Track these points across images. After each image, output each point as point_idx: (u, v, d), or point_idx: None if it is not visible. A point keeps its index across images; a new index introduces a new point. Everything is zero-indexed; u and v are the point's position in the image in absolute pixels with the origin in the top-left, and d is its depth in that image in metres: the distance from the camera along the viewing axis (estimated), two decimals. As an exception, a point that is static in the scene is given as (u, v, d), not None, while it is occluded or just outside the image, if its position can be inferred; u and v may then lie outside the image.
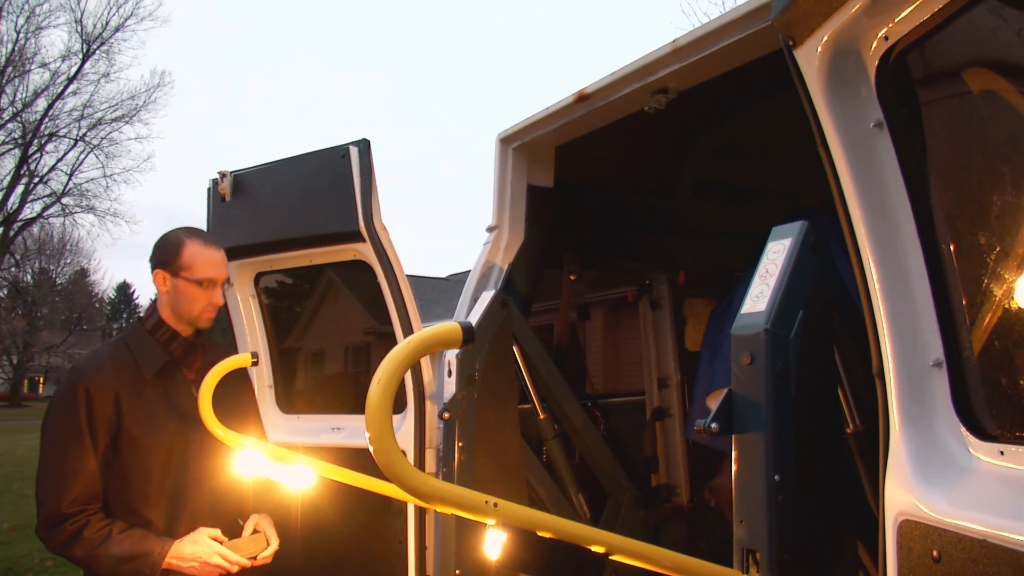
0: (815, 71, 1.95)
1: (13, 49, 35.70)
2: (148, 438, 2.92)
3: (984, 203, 1.87)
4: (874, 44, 1.91)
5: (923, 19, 1.80)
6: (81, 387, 2.86)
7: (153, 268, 3.03)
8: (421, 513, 3.68)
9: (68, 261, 54.29)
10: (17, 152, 36.82)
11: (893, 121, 1.91)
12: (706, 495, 4.57)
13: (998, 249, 1.84)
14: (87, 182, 39.33)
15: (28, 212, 39.05)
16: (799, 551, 2.03)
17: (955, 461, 1.83)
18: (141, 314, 3.09)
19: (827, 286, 2.19)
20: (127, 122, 39.24)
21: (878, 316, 1.92)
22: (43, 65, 36.82)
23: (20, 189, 37.58)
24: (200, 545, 2.89)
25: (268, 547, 3.12)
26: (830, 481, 2.23)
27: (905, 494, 1.83)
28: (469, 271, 4.16)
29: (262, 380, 4.34)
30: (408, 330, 3.71)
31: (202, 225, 4.31)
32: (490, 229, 4.10)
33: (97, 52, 37.51)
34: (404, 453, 3.68)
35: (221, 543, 2.95)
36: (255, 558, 3.03)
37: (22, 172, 37.12)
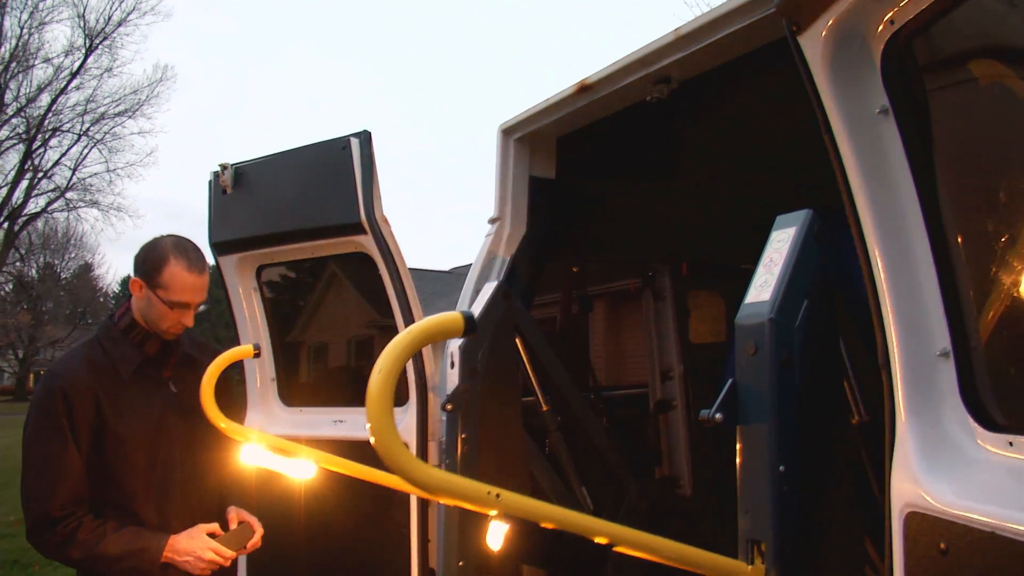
0: (819, 57, 1.92)
1: (17, 44, 35.72)
2: (133, 436, 2.93)
3: (991, 190, 1.84)
4: (880, 28, 1.88)
5: (930, 2, 1.77)
6: (59, 389, 2.85)
7: (133, 273, 3.03)
8: (424, 505, 3.67)
9: (72, 256, 54.42)
10: (21, 147, 36.87)
11: (899, 107, 1.88)
12: None
13: (1006, 237, 1.81)
14: (90, 177, 39.39)
15: (32, 207, 39.13)
16: (804, 542, 2.01)
17: (962, 452, 1.81)
18: (113, 312, 3.12)
19: (832, 275, 2.17)
20: (130, 117, 39.27)
21: (884, 306, 1.89)
22: (46, 60, 36.84)
23: (24, 184, 37.65)
24: (196, 540, 2.93)
25: (255, 536, 3.18)
26: (836, 472, 2.21)
27: (912, 486, 1.81)
28: (472, 264, 4.14)
29: (264, 373, 4.33)
30: (410, 323, 3.69)
31: (203, 218, 4.30)
32: (492, 221, 4.08)
33: (100, 47, 37.52)
34: (407, 445, 3.67)
35: (215, 536, 3.01)
36: (244, 548, 3.11)
37: (26, 167, 37.18)
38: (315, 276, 4.84)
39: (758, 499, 2.02)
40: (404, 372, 3.81)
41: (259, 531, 3.19)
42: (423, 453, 3.68)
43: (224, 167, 4.08)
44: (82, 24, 37.01)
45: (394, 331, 3.81)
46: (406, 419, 3.75)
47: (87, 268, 57.71)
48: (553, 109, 3.69)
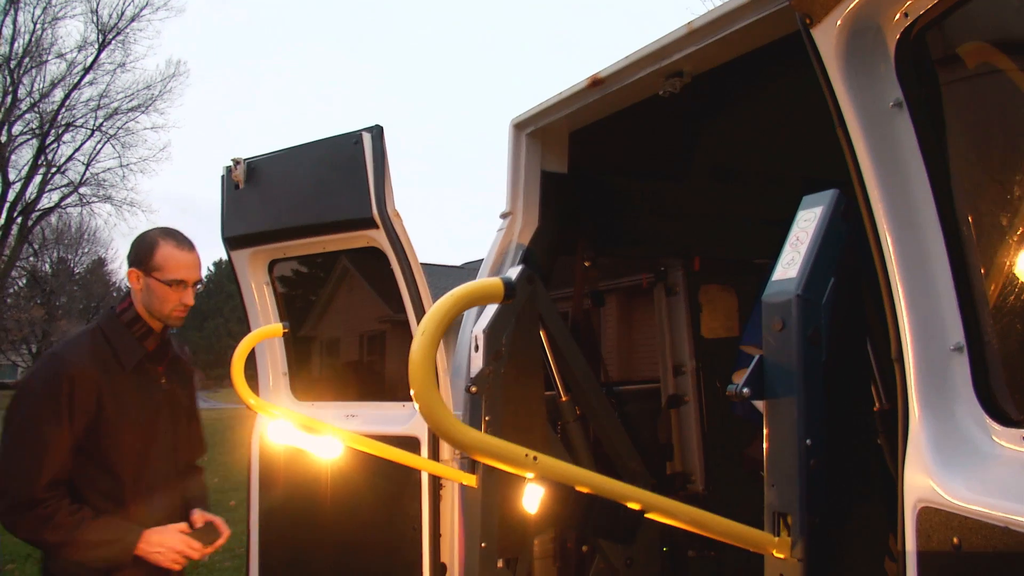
0: (832, 50, 1.91)
1: (30, 40, 35.86)
2: (129, 427, 2.99)
3: (1006, 184, 1.83)
4: (893, 21, 1.87)
5: (944, -5, 1.77)
6: (65, 375, 2.89)
7: (129, 266, 3.10)
8: (436, 500, 3.68)
9: (86, 251, 54.62)
10: (35, 142, 37.02)
11: (912, 100, 1.87)
12: (746, 463, 4.54)
13: (1020, 231, 1.80)
14: (104, 172, 39.52)
15: (46, 202, 39.30)
16: (830, 515, 2.03)
17: (976, 447, 1.80)
18: (114, 305, 3.17)
19: (858, 255, 2.17)
20: (143, 112, 39.33)
21: (897, 299, 1.88)
22: (60, 55, 36.96)
23: (38, 179, 37.80)
24: (167, 534, 2.99)
25: (221, 537, 3.19)
26: (861, 448, 2.22)
27: (925, 480, 1.81)
28: (483, 259, 4.14)
29: (276, 367, 4.35)
30: (422, 315, 3.70)
31: (216, 213, 4.32)
32: (504, 215, 4.08)
33: (113, 42, 37.60)
34: (418, 440, 3.69)
35: (185, 532, 3.07)
36: (212, 545, 3.14)
37: (40, 162, 37.33)
38: (327, 271, 4.85)
39: (785, 472, 2.04)
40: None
41: (226, 532, 3.22)
42: (434, 449, 3.69)
43: (237, 162, 4.10)
44: (95, 19, 37.16)
45: (406, 327, 3.82)
46: (416, 414, 3.76)
47: (100, 263, 57.97)
48: (565, 103, 3.69)
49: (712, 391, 4.90)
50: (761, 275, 5.30)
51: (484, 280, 1.63)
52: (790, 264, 2.12)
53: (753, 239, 4.87)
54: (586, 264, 4.51)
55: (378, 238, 3.73)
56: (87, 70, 37.32)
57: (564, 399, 4.01)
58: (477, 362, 3.49)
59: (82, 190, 39.40)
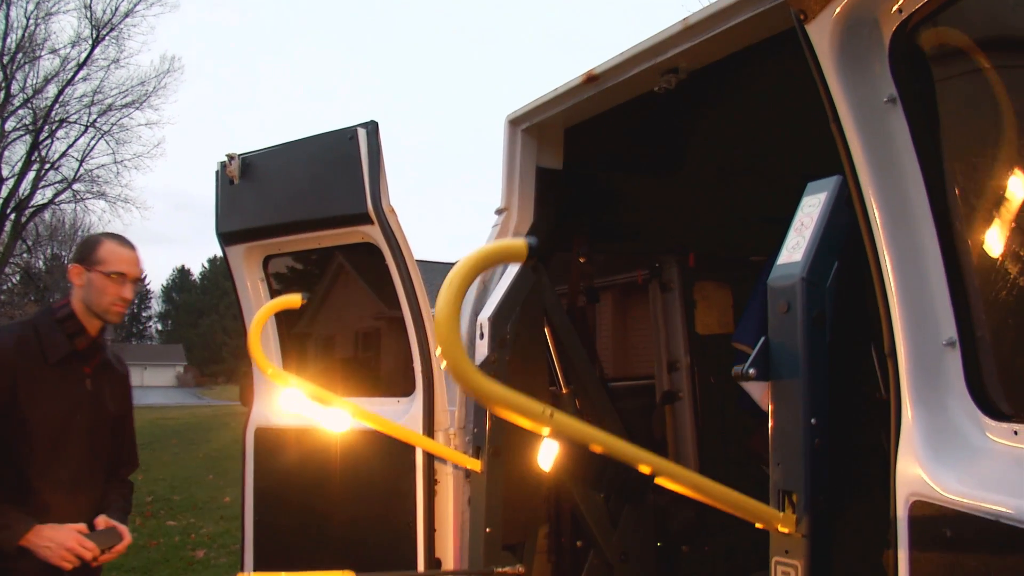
0: (827, 45, 1.92)
1: (23, 35, 35.68)
2: (41, 421, 2.98)
3: (999, 180, 1.84)
4: (887, 17, 1.87)
5: (938, -9, 1.77)
6: None
7: (72, 263, 3.17)
8: (430, 495, 3.69)
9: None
10: (28, 138, 36.84)
11: (906, 96, 1.88)
12: (754, 447, 4.55)
13: (1013, 227, 1.81)
14: (98, 168, 39.29)
15: (39, 198, 39.11)
16: (834, 494, 2.06)
17: (968, 441, 1.81)
18: (53, 302, 3.23)
19: (861, 240, 2.21)
20: (137, 108, 39.12)
21: (890, 294, 1.89)
22: (53, 51, 36.76)
23: (31, 175, 37.65)
24: (61, 531, 2.92)
25: (122, 542, 3.11)
26: (865, 428, 2.25)
27: (917, 474, 1.82)
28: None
29: (272, 363, 4.34)
30: (417, 314, 3.70)
31: (211, 209, 4.32)
32: (499, 211, 4.08)
33: (107, 38, 37.41)
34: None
35: (83, 534, 2.97)
36: (109, 550, 3.05)
37: (33, 158, 37.16)
38: (322, 267, 4.84)
39: (790, 451, 2.08)
40: (411, 362, 3.83)
41: (126, 539, 3.14)
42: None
43: (231, 157, 4.10)
44: (89, 15, 36.94)
45: (401, 323, 3.82)
46: (412, 410, 3.77)
47: (94, 260, 57.81)
48: (560, 99, 3.69)
49: (706, 387, 4.91)
50: (756, 273, 5.32)
51: (508, 240, 1.64)
52: (795, 248, 2.16)
53: (748, 236, 4.87)
54: (581, 260, 4.52)
55: (373, 234, 3.73)
56: (81, 66, 37.14)
57: (564, 392, 4.03)
58: (482, 349, 3.54)
59: (76, 186, 39.21)
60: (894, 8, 1.86)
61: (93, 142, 38.65)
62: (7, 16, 35.09)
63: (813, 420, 2.04)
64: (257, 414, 4.31)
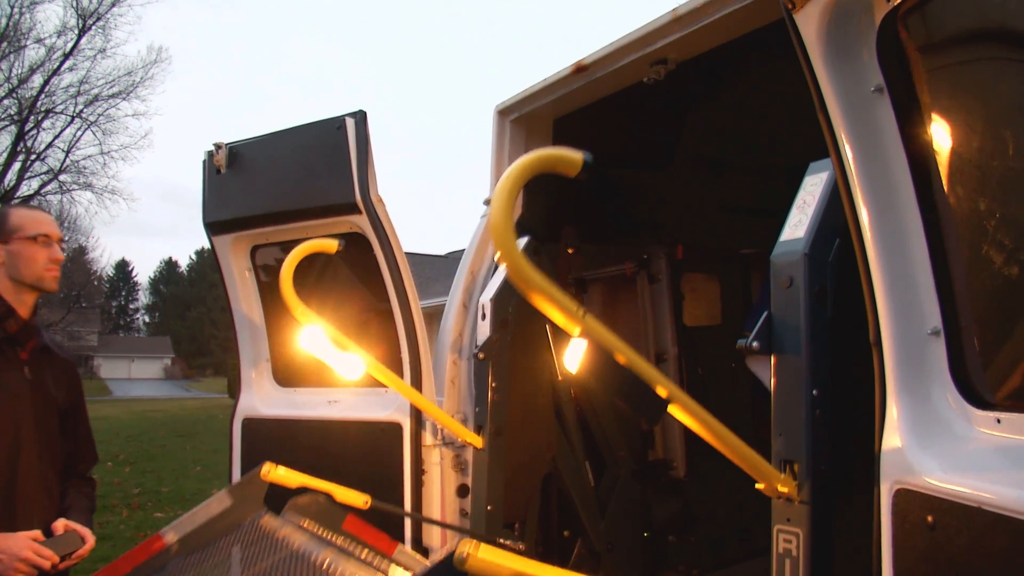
0: (814, 35, 1.92)
1: (8, 24, 35.35)
2: None
3: (985, 170, 1.85)
4: (875, 7, 1.88)
5: (926, -19, 1.78)
6: None
7: None
8: (417, 485, 3.69)
9: (66, 239, 54.05)
10: (13, 129, 36.53)
11: (893, 86, 1.89)
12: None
13: (998, 216, 1.82)
14: (84, 159, 39.02)
15: (25, 189, 38.77)
16: (835, 463, 2.11)
17: (952, 429, 1.83)
18: None
19: None
20: (124, 98, 38.83)
21: (876, 283, 1.90)
22: (39, 41, 36.43)
23: (17, 166, 37.36)
24: (12, 540, 2.67)
25: (84, 545, 2.88)
26: (865, 402, 2.28)
27: (901, 462, 1.83)
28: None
29: (259, 353, 4.33)
30: (405, 304, 3.70)
31: (198, 198, 4.29)
32: (487, 202, 4.08)
33: (93, 27, 37.14)
34: (400, 426, 3.69)
35: (38, 540, 2.74)
36: (70, 555, 2.82)
37: (19, 149, 36.86)
38: (310, 257, 4.82)
39: (791, 422, 2.13)
40: (399, 352, 3.82)
41: (90, 542, 2.90)
42: (416, 433, 3.69)
43: (218, 146, 4.06)
44: (75, 4, 36.67)
45: (389, 313, 3.82)
46: (399, 399, 3.77)
47: (81, 251, 57.41)
48: (549, 90, 3.69)
49: (694, 379, 4.93)
50: (747, 266, 5.32)
51: (566, 149, 1.67)
52: (797, 225, 2.21)
53: (736, 228, 4.89)
54: (569, 251, 4.53)
55: (361, 224, 3.72)
56: (67, 55, 36.84)
57: (561, 379, 4.05)
58: (484, 330, 3.58)
59: (62, 177, 38.92)
60: (882, -2, 1.86)
61: (80, 133, 38.38)
62: (-8, 5, 34.79)
63: (815, 392, 2.10)
64: (244, 405, 4.29)
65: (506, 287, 3.57)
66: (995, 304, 1.88)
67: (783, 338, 2.16)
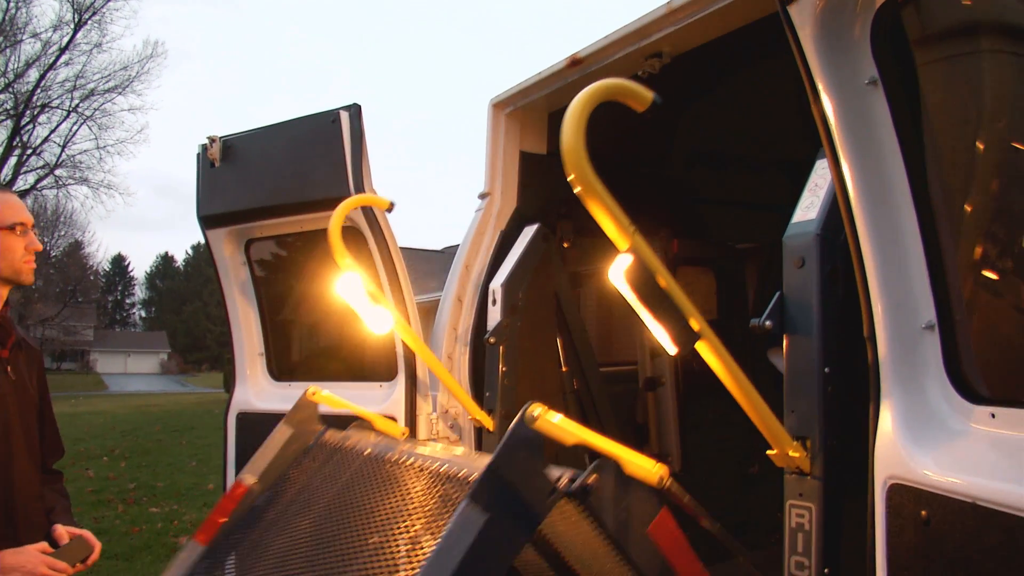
0: (809, 27, 1.91)
1: (3, 18, 35.23)
2: None
3: (979, 163, 1.84)
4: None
5: (920, -27, 1.77)
6: None
7: None
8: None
9: (62, 233, 53.90)
10: (9, 123, 36.46)
11: (887, 78, 1.88)
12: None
13: (993, 210, 1.82)
14: (80, 153, 38.99)
15: (21, 184, 38.70)
16: (847, 438, 2.12)
17: (946, 424, 1.82)
18: None
19: None
20: (120, 93, 38.82)
21: (870, 277, 1.90)
22: (34, 35, 36.36)
23: (13, 160, 37.27)
24: (25, 555, 2.56)
25: (94, 551, 2.79)
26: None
27: (895, 457, 1.82)
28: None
29: (253, 347, 4.32)
30: (399, 297, 3.69)
31: (192, 192, 4.27)
32: (482, 196, 4.07)
33: (89, 22, 37.06)
34: (395, 418, 3.68)
35: (47, 552, 2.64)
36: (84, 562, 2.74)
37: (15, 143, 36.80)
38: (306, 251, 4.81)
39: (804, 398, 2.15)
40: (393, 347, 3.81)
41: (96, 546, 2.80)
42: (412, 426, 3.69)
43: (212, 139, 4.05)
44: (71, -2, 36.58)
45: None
46: (394, 394, 3.76)
47: (77, 246, 57.37)
48: (544, 83, 3.67)
49: (689, 373, 4.92)
50: (744, 261, 5.31)
51: (635, 84, 1.73)
52: (809, 207, 2.23)
53: (732, 222, 4.89)
54: (565, 245, 4.52)
55: (355, 217, 3.71)
56: (63, 50, 36.77)
57: (564, 369, 4.08)
58: (495, 315, 3.64)
59: (58, 172, 38.88)
60: (876, -10, 1.85)
61: (75, 127, 38.35)
62: (-13, -1, 34.65)
63: (827, 369, 2.12)
64: (239, 399, 4.28)
65: (517, 272, 3.62)
66: (989, 298, 1.87)
67: (796, 317, 2.19)
